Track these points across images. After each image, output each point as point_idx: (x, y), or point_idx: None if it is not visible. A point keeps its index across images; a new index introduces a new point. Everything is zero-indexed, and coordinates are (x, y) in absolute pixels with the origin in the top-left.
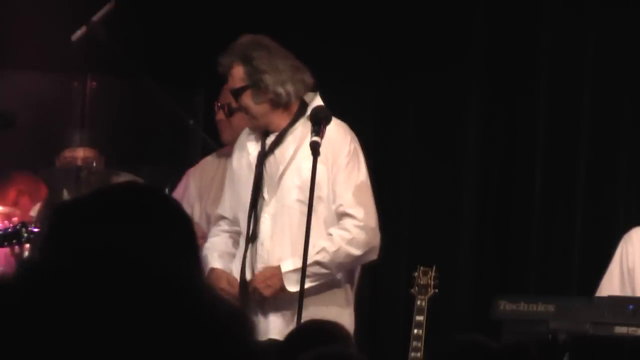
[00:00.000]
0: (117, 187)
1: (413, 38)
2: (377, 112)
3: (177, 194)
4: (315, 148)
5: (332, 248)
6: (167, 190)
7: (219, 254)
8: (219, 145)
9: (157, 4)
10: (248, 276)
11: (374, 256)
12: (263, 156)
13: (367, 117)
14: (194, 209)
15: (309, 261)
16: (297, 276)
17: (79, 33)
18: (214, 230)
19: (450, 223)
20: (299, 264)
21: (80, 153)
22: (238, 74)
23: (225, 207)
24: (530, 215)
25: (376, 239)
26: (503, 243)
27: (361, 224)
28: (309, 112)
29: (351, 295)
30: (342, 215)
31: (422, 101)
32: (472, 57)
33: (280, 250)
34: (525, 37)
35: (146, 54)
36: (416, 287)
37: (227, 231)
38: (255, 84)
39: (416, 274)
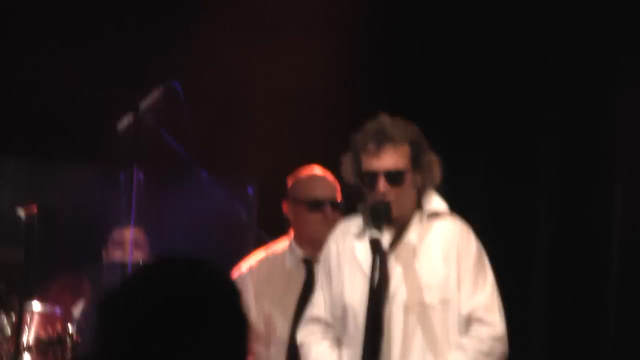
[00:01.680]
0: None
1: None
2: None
3: None
4: (377, 247)
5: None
6: None
7: None
8: (272, 239)
9: (205, 91)
10: None
11: None
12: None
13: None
14: (251, 309)
15: None
16: None
17: (125, 122)
18: (313, 337)
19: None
20: None
21: (128, 234)
22: (405, 153)
23: (321, 308)
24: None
25: (507, 350)
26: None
27: (499, 334)
28: (426, 207)
29: None
30: (475, 322)
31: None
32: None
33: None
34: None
35: (196, 143)
36: None
37: (328, 338)
38: (417, 165)
39: None
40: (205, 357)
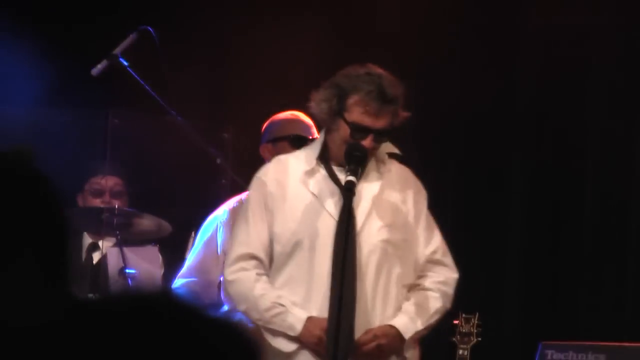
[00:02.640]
0: None
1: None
2: (420, 151)
3: (207, 238)
4: (350, 189)
5: (442, 309)
6: (193, 234)
7: (291, 301)
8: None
9: (182, 36)
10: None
11: None
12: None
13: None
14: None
15: (426, 325)
16: (413, 341)
17: (99, 67)
18: (248, 273)
19: (493, 268)
20: (420, 328)
21: (109, 182)
22: (393, 112)
23: (252, 246)
24: (580, 259)
25: None
26: (550, 288)
27: (455, 275)
28: (384, 149)
29: None
30: (435, 264)
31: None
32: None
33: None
34: (574, 94)
35: (171, 88)
36: (458, 336)
37: (264, 276)
38: (395, 122)
39: (458, 321)
40: None
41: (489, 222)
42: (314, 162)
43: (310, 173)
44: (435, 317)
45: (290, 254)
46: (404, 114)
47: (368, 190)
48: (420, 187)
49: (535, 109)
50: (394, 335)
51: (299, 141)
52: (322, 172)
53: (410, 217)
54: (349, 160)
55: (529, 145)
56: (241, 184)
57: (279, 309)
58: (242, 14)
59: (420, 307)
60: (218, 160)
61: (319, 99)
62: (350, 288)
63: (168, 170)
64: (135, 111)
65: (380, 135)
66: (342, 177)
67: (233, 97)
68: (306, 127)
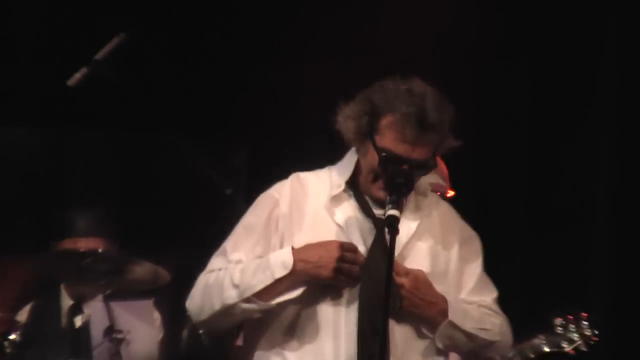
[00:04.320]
0: None
1: None
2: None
3: None
4: (392, 225)
5: (498, 336)
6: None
7: None
8: None
9: (184, 37)
10: None
11: None
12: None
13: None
14: None
15: (473, 334)
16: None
17: (78, 76)
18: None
19: None
20: (466, 327)
21: (85, 244)
22: (435, 143)
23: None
24: None
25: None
26: None
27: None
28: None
29: None
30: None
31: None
32: None
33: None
34: None
35: (169, 101)
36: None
37: None
38: (438, 151)
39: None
40: None
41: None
42: (342, 186)
43: (338, 200)
44: (486, 336)
45: (301, 298)
46: (452, 143)
47: (404, 229)
48: (471, 233)
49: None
50: (439, 301)
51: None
52: (352, 200)
53: (452, 268)
54: (390, 188)
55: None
56: None
57: (253, 263)
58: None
59: (477, 316)
60: (228, 191)
61: (347, 115)
62: (379, 348)
63: (164, 204)
64: (122, 130)
65: (417, 169)
66: (378, 210)
67: (249, 109)
68: None
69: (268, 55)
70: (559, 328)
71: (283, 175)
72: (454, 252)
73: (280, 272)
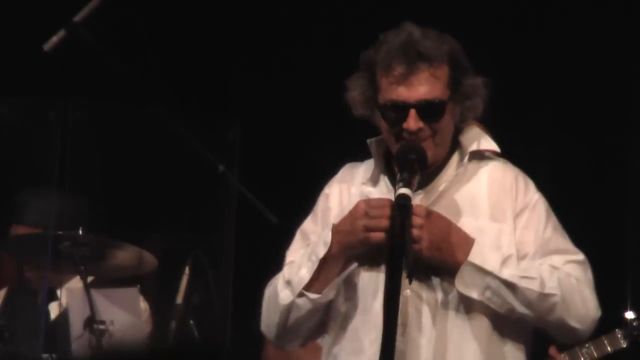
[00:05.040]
0: None
1: None
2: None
3: None
4: (404, 206)
5: (554, 292)
6: (187, 269)
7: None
8: (257, 198)
9: (174, 2)
10: None
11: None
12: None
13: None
14: None
15: (513, 282)
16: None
17: (54, 40)
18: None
19: None
20: (502, 274)
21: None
22: (444, 76)
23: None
24: None
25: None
26: None
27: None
28: (469, 148)
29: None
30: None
31: None
32: None
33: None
34: None
35: (154, 70)
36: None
37: None
38: (457, 92)
39: None
40: None
41: None
42: (372, 169)
43: (374, 180)
44: (532, 286)
45: (341, 292)
46: (471, 80)
47: (440, 203)
48: (532, 198)
49: None
50: (468, 243)
51: None
52: (385, 181)
53: (505, 237)
54: (401, 165)
55: None
56: (251, 200)
57: (303, 256)
58: None
59: (522, 266)
60: (220, 168)
61: (350, 87)
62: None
63: (151, 183)
64: (104, 101)
65: (427, 109)
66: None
67: (240, 84)
68: None
69: (262, 29)
70: (635, 321)
71: (276, 152)
72: (508, 225)
73: (322, 251)
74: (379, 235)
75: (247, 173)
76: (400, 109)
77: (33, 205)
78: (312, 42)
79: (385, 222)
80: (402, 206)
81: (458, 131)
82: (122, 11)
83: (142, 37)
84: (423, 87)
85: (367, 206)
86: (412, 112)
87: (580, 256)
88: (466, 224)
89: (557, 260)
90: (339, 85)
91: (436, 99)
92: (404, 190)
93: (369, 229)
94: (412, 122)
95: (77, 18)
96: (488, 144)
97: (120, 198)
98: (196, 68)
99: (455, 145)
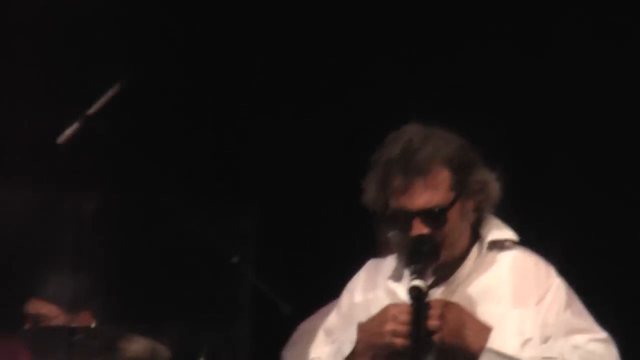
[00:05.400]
0: None
1: None
2: None
3: None
4: (418, 298)
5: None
6: None
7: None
8: (274, 291)
9: (185, 90)
10: None
11: None
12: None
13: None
14: None
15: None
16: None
17: (68, 133)
18: None
19: None
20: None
21: (41, 309)
22: (444, 181)
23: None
24: None
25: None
26: None
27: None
28: (486, 237)
29: None
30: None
31: None
32: None
33: None
34: None
35: (169, 159)
36: None
37: None
38: (464, 191)
39: None
40: None
41: None
42: (396, 263)
43: (396, 278)
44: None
45: None
46: (479, 176)
47: (460, 294)
48: (550, 283)
49: None
50: (485, 331)
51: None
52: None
53: (528, 324)
54: (414, 258)
55: None
56: (264, 291)
57: (330, 353)
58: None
59: (543, 347)
60: (234, 259)
61: (367, 190)
62: None
63: (164, 272)
64: (118, 192)
65: (430, 217)
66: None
67: (256, 169)
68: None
69: (277, 112)
70: None
71: (295, 242)
72: (530, 310)
73: (348, 349)
74: (403, 342)
75: (263, 260)
76: (405, 217)
77: (52, 280)
78: (331, 127)
79: (407, 329)
80: (414, 298)
81: (478, 222)
82: (135, 104)
83: (154, 127)
84: (422, 197)
85: (396, 310)
86: (416, 220)
87: (604, 334)
88: (487, 311)
89: (580, 339)
90: (356, 174)
91: (436, 207)
92: (416, 282)
93: (395, 334)
94: (417, 230)
95: (91, 111)
96: (506, 233)
97: (133, 289)
98: (210, 156)
99: (476, 237)
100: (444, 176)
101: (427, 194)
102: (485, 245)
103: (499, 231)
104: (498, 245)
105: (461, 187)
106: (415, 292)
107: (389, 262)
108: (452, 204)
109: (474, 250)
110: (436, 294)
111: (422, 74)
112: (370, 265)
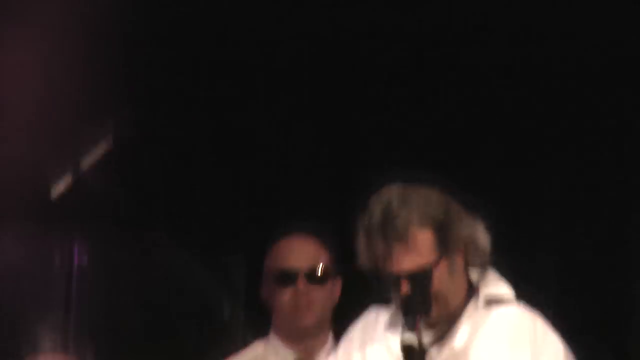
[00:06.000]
0: None
1: None
2: None
3: None
4: (408, 353)
5: None
6: None
7: None
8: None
9: (173, 140)
10: None
11: None
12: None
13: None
14: None
15: None
16: None
17: (60, 187)
18: None
19: None
20: None
21: None
22: (425, 243)
23: None
24: None
25: None
26: None
27: None
28: (482, 292)
29: None
30: None
31: None
32: None
33: None
34: None
35: (159, 207)
36: None
37: None
38: (449, 248)
39: None
40: None
41: None
42: (393, 316)
43: (394, 329)
44: None
45: None
46: (466, 231)
47: (453, 354)
48: (545, 345)
49: None
50: None
51: (284, 279)
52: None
53: None
54: (405, 312)
55: None
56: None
57: None
58: None
59: None
60: (225, 315)
61: (359, 248)
62: None
63: (155, 331)
64: (107, 243)
65: (415, 279)
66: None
67: (246, 218)
68: (303, 253)
69: (275, 158)
70: None
71: None
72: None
73: None
74: None
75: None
76: (394, 278)
77: (46, 331)
78: (325, 180)
79: None
80: (404, 351)
81: (475, 275)
82: (126, 154)
83: (148, 177)
84: (404, 262)
85: None
86: (404, 282)
87: None
88: None
89: None
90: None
91: (420, 270)
92: (407, 337)
93: None
94: (404, 290)
95: (84, 166)
96: (502, 288)
97: (127, 333)
98: (201, 207)
99: (473, 290)
100: (424, 237)
101: (409, 258)
102: (481, 301)
103: (495, 287)
104: (494, 301)
105: (445, 245)
106: (406, 348)
107: (389, 311)
108: (437, 263)
109: (470, 306)
110: (433, 353)
111: (403, 118)
112: (370, 312)
